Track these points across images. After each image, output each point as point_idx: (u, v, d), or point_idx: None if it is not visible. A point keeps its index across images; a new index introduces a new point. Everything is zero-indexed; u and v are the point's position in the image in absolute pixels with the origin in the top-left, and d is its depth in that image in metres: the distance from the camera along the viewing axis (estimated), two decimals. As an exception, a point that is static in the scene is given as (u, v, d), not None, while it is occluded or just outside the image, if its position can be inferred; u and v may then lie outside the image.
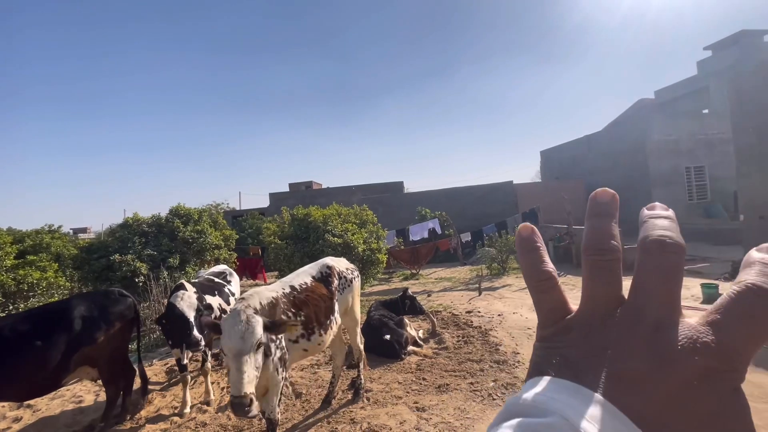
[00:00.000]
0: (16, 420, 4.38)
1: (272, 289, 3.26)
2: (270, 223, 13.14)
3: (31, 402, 4.69)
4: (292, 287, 3.41)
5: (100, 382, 4.28)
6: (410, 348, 5.32)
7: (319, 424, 3.64)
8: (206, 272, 4.40)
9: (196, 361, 4.88)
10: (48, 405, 4.69)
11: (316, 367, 5.15)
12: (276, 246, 10.39)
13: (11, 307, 8.11)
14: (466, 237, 14.63)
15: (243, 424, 3.76)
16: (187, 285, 3.84)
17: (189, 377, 4.14)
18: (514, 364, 4.72)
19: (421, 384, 4.37)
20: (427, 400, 3.95)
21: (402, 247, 13.94)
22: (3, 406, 4.58)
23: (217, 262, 10.58)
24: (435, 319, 6.25)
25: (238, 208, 28.86)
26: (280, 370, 2.99)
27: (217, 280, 4.22)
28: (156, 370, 5.48)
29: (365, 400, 4.04)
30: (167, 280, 9.25)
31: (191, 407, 4.13)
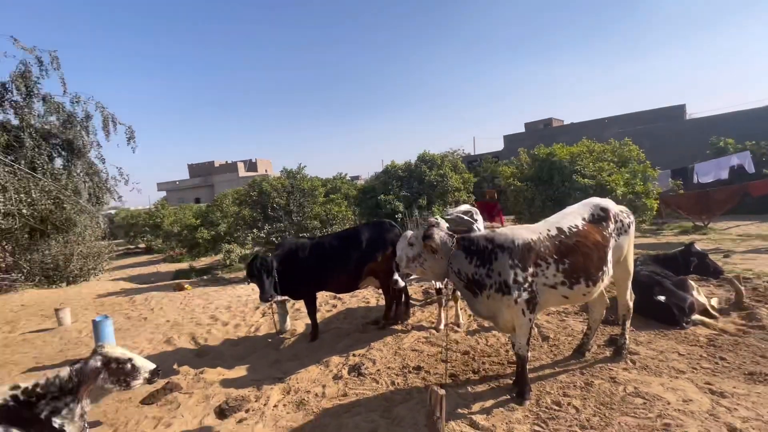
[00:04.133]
0: (334, 306, 6.31)
1: (533, 230, 3.11)
2: (506, 167, 12.82)
3: (340, 296, 6.62)
4: (560, 230, 3.12)
5: (380, 291, 5.50)
6: (696, 317, 4.15)
7: (572, 372, 3.42)
8: (455, 210, 4.74)
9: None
10: (350, 300, 6.49)
11: (563, 314, 4.83)
12: (515, 189, 10.09)
13: (324, 231, 11.54)
14: (806, 177, 9.70)
15: (491, 351, 4.01)
16: (441, 221, 4.24)
17: (444, 300, 4.72)
18: None
19: (717, 364, 3.36)
20: (729, 386, 3.00)
21: (681, 191, 10.73)
22: (327, 295, 6.65)
23: (457, 203, 11.37)
24: (742, 287, 4.57)
25: (472, 153, 29.72)
26: (526, 311, 2.92)
27: (466, 218, 4.48)
28: (414, 290, 6.58)
29: (629, 362, 3.49)
30: (418, 217, 10.78)
31: (444, 326, 4.74)
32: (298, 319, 5.80)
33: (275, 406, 3.39)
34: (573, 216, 3.25)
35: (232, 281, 10.18)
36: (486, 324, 4.59)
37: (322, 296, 6.45)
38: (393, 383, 3.56)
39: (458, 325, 4.74)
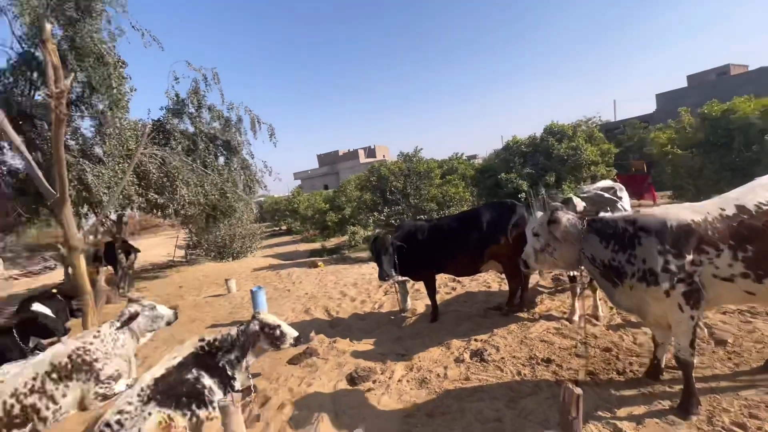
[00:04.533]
0: (453, 289, 6.25)
1: (696, 210, 2.50)
2: (660, 132, 10.60)
3: (460, 279, 6.52)
4: (741, 208, 2.44)
5: (503, 275, 5.21)
6: None
7: (763, 389, 2.67)
8: (593, 187, 4.11)
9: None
10: (469, 284, 6.33)
11: (748, 314, 3.81)
12: (674, 158, 8.29)
13: (441, 213, 11.49)
14: None
15: (640, 350, 3.42)
16: (576, 200, 3.73)
17: (578, 288, 4.20)
18: None
19: None
20: None
21: None
22: (446, 278, 6.62)
23: (593, 179, 9.94)
24: None
25: (612, 120, 25.48)
26: (685, 306, 2.40)
27: (607, 195, 3.84)
28: (545, 275, 6.03)
29: None
30: (545, 197, 9.79)
31: (579, 317, 4.22)
32: (418, 299, 5.94)
33: (399, 380, 3.54)
34: (765, 189, 2.49)
35: (357, 260, 11.01)
36: (633, 318, 3.94)
37: (441, 278, 6.44)
38: (519, 373, 3.35)
39: (597, 318, 4.17)
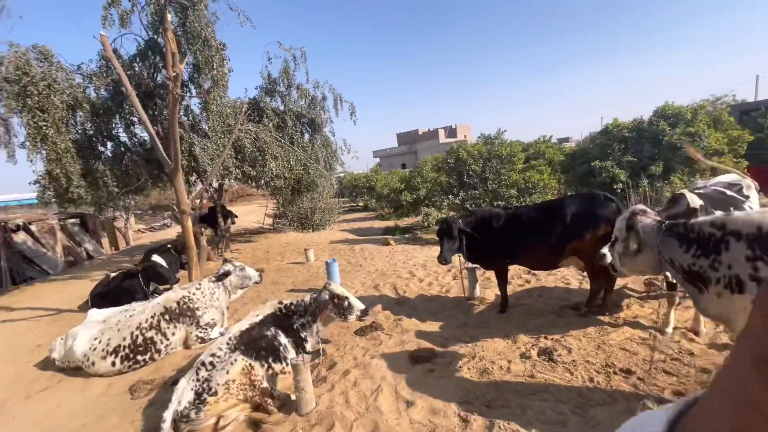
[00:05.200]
0: (527, 281, 5.94)
1: None
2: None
3: (535, 272, 6.16)
4: None
5: (585, 273, 4.81)
6: None
7: None
8: (712, 182, 3.48)
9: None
10: (546, 278, 5.95)
11: None
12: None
13: (522, 201, 10.84)
14: None
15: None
16: (690, 196, 3.22)
17: (677, 298, 3.69)
18: None
19: None
20: None
21: None
22: (519, 269, 6.31)
23: (714, 172, 8.45)
24: None
25: (750, 99, 21.06)
26: None
27: (729, 193, 3.24)
28: (635, 278, 5.41)
29: None
30: (647, 189, 8.62)
31: (675, 330, 3.73)
32: (488, 288, 5.78)
33: (459, 367, 3.53)
34: None
35: (428, 242, 11.01)
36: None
37: (514, 269, 6.16)
38: (592, 380, 3.11)
39: (697, 333, 3.65)
